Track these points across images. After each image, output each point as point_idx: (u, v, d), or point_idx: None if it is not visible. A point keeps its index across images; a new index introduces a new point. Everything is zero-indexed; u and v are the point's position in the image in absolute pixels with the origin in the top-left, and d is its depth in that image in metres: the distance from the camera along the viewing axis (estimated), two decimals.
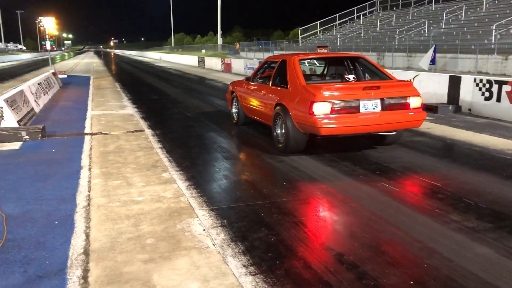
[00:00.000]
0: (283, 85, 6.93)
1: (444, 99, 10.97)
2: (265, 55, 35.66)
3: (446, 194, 4.79)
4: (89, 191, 5.00)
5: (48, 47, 24.25)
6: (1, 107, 7.83)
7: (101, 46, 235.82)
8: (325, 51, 24.80)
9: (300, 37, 37.52)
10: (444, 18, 24.21)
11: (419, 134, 8.06)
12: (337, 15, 35.09)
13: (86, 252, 3.51)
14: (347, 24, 34.88)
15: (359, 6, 34.98)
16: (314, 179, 5.44)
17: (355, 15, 35.10)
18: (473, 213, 4.25)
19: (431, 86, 11.45)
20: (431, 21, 25.18)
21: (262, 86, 7.71)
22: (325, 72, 8.51)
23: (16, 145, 7.23)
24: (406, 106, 6.23)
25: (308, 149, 6.66)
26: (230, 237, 3.77)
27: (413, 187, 5.21)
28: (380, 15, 33.36)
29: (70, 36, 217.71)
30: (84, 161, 6.30)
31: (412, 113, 6.26)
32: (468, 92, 10.27)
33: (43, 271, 3.22)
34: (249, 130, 8.67)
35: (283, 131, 6.61)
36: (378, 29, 29.48)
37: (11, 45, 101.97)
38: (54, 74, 18.16)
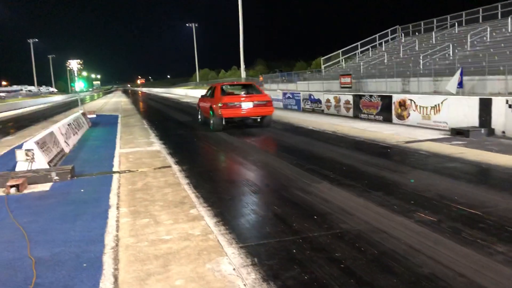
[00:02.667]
0: (212, 97, 14.98)
1: (475, 123, 10.66)
2: (288, 86, 35.87)
3: (488, 223, 4.53)
4: (117, 230, 4.95)
5: (77, 88, 24.98)
6: (32, 149, 7.99)
7: (129, 85, 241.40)
8: (349, 79, 25.42)
9: (322, 66, 37.60)
10: (468, 40, 23.86)
11: (452, 160, 7.79)
12: (359, 43, 35.06)
13: None
14: (369, 51, 34.81)
15: (381, 33, 34.98)
16: (345, 211, 5.26)
17: (377, 42, 35.03)
18: None
19: (460, 109, 11.17)
20: (455, 44, 24.86)
21: (206, 98, 16.17)
22: (236, 92, 16.74)
23: (46, 186, 7.31)
24: (264, 105, 14.00)
25: (335, 178, 6.48)
26: (261, 276, 3.62)
27: (451, 217, 4.95)
28: (403, 41, 33.22)
29: (99, 76, 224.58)
30: (112, 200, 6.29)
31: (267, 108, 14.05)
32: (501, 114, 9.95)
33: None
34: (275, 162, 8.56)
35: (211, 118, 14.36)
36: (401, 54, 29.26)
37: (43, 88, 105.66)
38: (84, 114, 18.63)
